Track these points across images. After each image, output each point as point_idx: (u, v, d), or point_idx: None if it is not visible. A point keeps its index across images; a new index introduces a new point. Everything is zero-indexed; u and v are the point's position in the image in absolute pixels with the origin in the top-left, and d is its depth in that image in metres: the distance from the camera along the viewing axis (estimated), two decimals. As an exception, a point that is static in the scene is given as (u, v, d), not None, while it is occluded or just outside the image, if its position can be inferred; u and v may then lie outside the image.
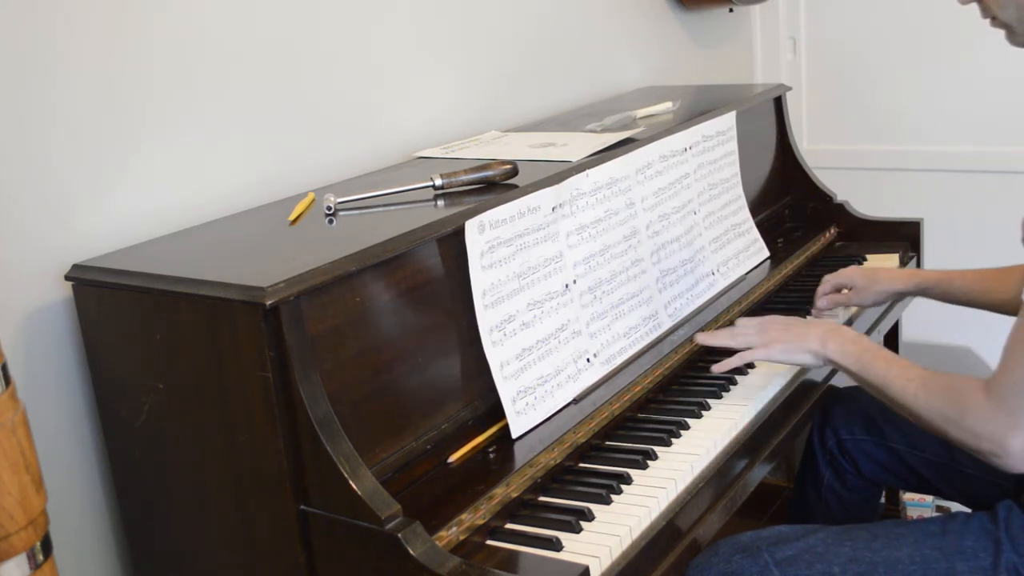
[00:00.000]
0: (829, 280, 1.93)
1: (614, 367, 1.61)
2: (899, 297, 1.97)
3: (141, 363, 1.31)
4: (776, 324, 1.61)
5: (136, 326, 1.30)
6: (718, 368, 1.62)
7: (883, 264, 2.21)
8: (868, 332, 1.98)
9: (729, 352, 1.63)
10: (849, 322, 1.89)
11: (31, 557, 0.95)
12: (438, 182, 1.52)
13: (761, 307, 1.98)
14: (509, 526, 1.29)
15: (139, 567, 1.46)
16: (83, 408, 1.44)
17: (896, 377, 1.44)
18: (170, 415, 1.30)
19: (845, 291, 1.93)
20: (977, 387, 1.33)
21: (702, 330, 1.73)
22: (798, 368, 1.69)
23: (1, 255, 1.34)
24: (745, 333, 1.62)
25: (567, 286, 1.56)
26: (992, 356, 2.07)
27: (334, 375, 1.23)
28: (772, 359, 1.60)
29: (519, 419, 1.42)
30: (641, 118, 2.02)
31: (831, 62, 3.09)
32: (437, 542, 1.15)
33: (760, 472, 1.54)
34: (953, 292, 1.84)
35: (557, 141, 1.83)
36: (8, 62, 1.33)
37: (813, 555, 1.40)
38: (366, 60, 1.86)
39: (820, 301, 1.92)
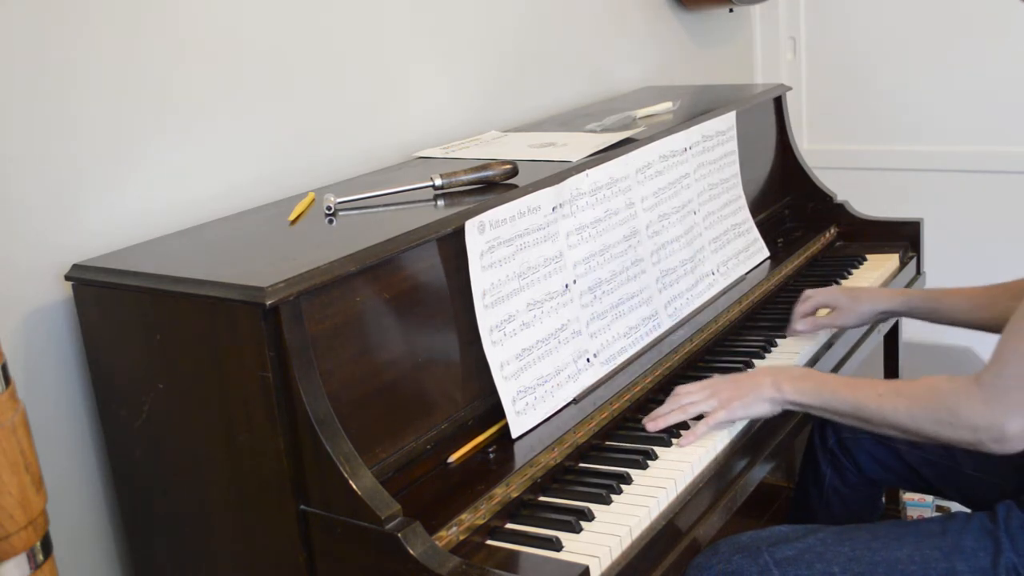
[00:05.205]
0: (809, 300, 1.85)
1: (614, 367, 1.61)
2: (883, 317, 1.91)
3: (141, 363, 1.31)
4: (724, 383, 1.54)
5: (136, 326, 1.30)
6: (683, 442, 1.47)
7: (883, 264, 2.21)
8: (866, 335, 1.98)
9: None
10: (829, 344, 1.84)
11: (31, 557, 0.95)
12: (438, 182, 1.52)
13: (761, 307, 1.98)
14: (509, 526, 1.29)
15: (139, 567, 1.46)
16: (83, 408, 1.44)
17: (867, 397, 1.42)
18: (170, 415, 1.30)
19: (824, 311, 1.86)
20: (965, 382, 1.33)
21: (651, 410, 1.55)
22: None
23: (2, 254, 1.34)
24: (695, 402, 1.52)
25: (567, 286, 1.56)
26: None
27: (334, 375, 1.23)
28: (734, 418, 1.51)
29: (519, 419, 1.42)
30: (641, 118, 2.02)
31: (831, 62, 3.09)
32: (437, 542, 1.15)
33: (760, 472, 1.54)
34: (941, 311, 1.78)
35: (557, 141, 1.83)
36: (8, 63, 1.33)
37: (813, 555, 1.40)
38: (366, 60, 1.86)
39: (799, 324, 1.84)
